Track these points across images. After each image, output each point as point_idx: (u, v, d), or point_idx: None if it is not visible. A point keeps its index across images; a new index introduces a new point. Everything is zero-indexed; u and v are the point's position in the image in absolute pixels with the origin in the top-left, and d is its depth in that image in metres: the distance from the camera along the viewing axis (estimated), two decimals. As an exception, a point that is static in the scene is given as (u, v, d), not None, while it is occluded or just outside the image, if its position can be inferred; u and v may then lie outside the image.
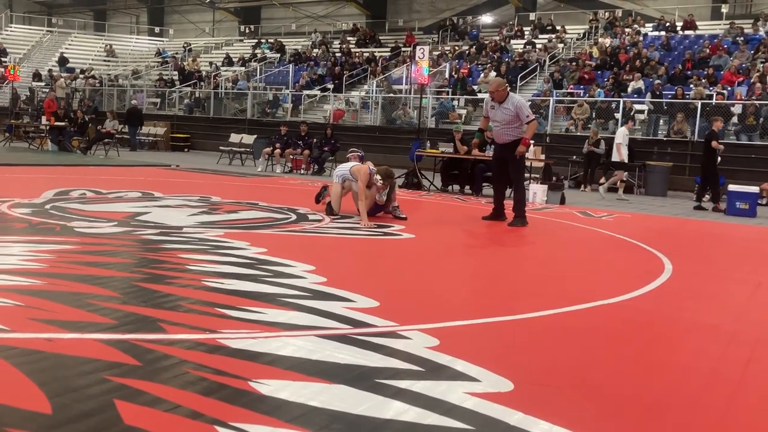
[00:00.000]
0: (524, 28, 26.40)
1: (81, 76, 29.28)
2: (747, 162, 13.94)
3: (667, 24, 23.34)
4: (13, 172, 10.68)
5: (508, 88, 8.26)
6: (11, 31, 34.17)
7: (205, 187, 10.17)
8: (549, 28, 25.71)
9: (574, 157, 15.61)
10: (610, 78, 19.08)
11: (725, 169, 12.71)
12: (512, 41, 25.12)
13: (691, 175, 14.58)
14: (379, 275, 4.78)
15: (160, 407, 2.20)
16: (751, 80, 17.04)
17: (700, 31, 22.78)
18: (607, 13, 25.72)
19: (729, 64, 18.41)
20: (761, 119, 15.34)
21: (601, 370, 2.91)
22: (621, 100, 17.04)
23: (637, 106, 17.23)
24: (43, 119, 18.22)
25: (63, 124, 17.75)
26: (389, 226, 6.94)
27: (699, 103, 15.66)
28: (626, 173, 13.16)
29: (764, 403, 2.69)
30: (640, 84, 18.26)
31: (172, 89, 25.95)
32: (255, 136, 18.61)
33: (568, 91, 19.32)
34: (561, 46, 23.48)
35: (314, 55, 27.55)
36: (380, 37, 29.50)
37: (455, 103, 20.12)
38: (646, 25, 24.03)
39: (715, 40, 20.41)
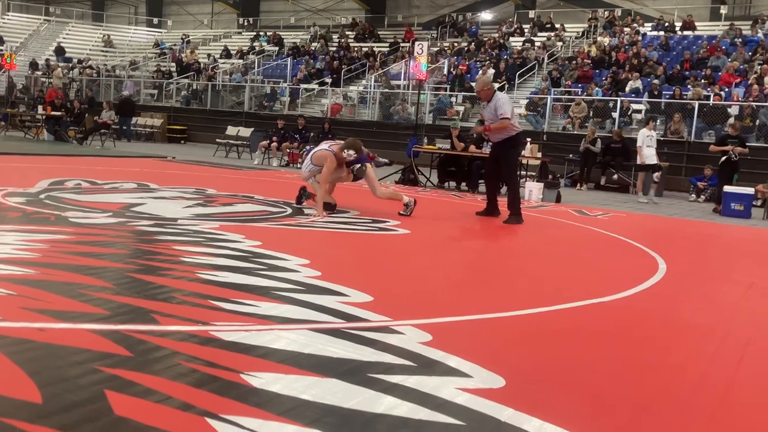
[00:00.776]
0: (523, 26, 26.39)
1: (78, 66, 29.16)
2: (743, 163, 13.95)
3: (666, 24, 23.36)
4: (8, 161, 10.63)
5: (495, 87, 8.25)
6: (8, 19, 33.99)
7: (200, 179, 10.15)
8: (548, 26, 25.70)
9: (571, 155, 15.62)
10: (608, 77, 19.09)
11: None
12: (511, 39, 25.10)
13: (688, 175, 14.61)
14: (373, 270, 4.77)
15: (150, 398, 2.19)
16: (749, 82, 17.06)
17: (698, 32, 22.79)
18: (606, 12, 25.72)
19: (727, 65, 18.42)
20: (757, 121, 15.37)
21: (593, 369, 2.91)
22: (618, 99, 17.06)
23: (635, 106, 17.25)
24: (40, 109, 18.15)
25: (59, 113, 17.68)
26: (385, 221, 6.93)
27: (696, 104, 15.68)
28: (656, 174, 12.92)
29: (754, 403, 2.70)
30: (638, 84, 18.28)
31: (170, 81, 25.88)
32: (252, 129, 18.58)
33: (566, 89, 19.32)
34: (560, 44, 23.49)
35: (313, 48, 27.48)
36: (379, 32, 29.45)
37: (453, 99, 20.10)
38: (645, 24, 24.05)
39: (714, 41, 20.44)
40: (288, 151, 15.22)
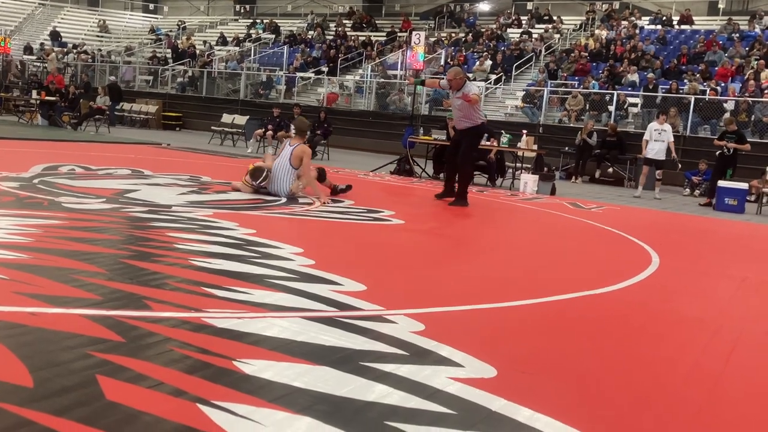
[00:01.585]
0: (521, 17, 26.31)
1: (74, 51, 28.96)
2: (738, 158, 13.98)
3: (664, 18, 23.33)
4: (1, 146, 10.58)
5: (466, 78, 8.57)
6: (2, 2, 33.68)
7: (195, 166, 10.12)
8: (546, 18, 25.63)
9: (567, 148, 15.63)
10: (605, 70, 19.07)
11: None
12: (509, 30, 25.03)
13: (682, 169, 14.62)
14: (367, 259, 4.78)
15: (142, 384, 2.19)
16: (745, 77, 17.07)
17: (696, 26, 22.77)
18: (604, 5, 25.67)
19: (723, 59, 18.42)
20: (753, 116, 15.39)
21: (584, 360, 2.93)
22: (615, 92, 17.05)
23: (631, 99, 17.25)
24: (34, 93, 18.02)
25: (54, 98, 17.57)
26: (379, 211, 6.93)
27: (692, 99, 15.68)
28: (658, 171, 12.69)
29: (743, 395, 2.72)
30: (635, 77, 18.27)
31: (165, 67, 25.74)
32: (247, 117, 18.51)
33: (563, 81, 19.29)
34: (557, 36, 23.43)
35: (309, 37, 27.36)
36: (376, 22, 29.33)
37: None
38: (643, 18, 24.00)
39: (711, 36, 20.42)
40: (284, 140, 15.15)
